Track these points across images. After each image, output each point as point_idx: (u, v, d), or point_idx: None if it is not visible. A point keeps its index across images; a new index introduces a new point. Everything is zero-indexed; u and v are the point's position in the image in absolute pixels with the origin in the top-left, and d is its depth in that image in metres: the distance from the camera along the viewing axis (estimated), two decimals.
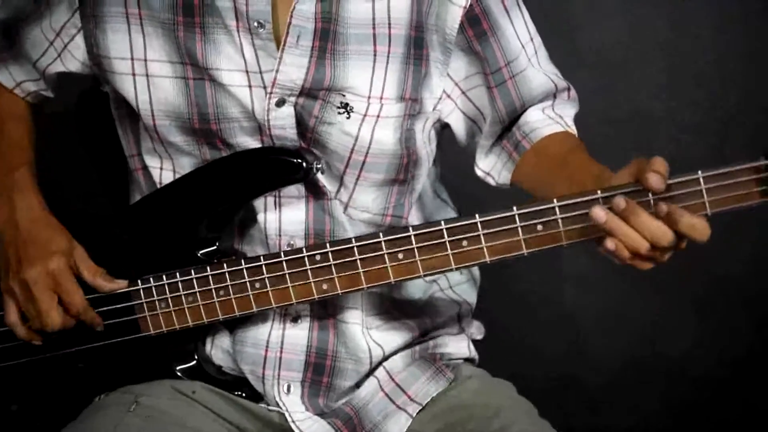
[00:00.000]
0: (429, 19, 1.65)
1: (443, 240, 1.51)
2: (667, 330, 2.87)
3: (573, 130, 1.75)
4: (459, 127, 1.75)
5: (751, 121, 2.70)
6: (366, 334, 1.73)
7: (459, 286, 1.85)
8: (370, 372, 1.75)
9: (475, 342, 1.87)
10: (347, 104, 1.63)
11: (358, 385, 1.75)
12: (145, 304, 1.66)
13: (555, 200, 1.45)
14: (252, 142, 1.65)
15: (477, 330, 1.88)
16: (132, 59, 1.64)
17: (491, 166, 1.77)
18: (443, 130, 1.77)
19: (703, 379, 2.86)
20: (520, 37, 1.71)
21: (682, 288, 2.81)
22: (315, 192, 1.66)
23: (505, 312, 2.81)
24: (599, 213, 1.40)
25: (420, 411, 1.71)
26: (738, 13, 2.72)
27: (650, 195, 1.40)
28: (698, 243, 1.40)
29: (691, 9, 2.72)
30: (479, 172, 1.78)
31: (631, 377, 2.88)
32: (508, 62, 1.70)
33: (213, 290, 1.62)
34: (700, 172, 1.40)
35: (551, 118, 1.73)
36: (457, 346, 1.82)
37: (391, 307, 1.76)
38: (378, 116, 1.64)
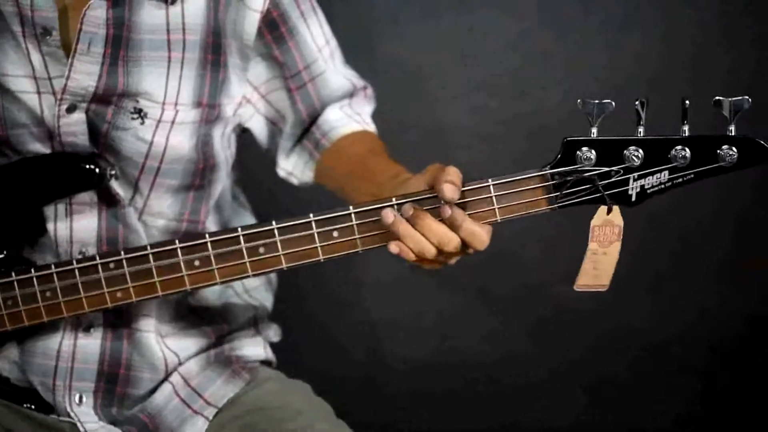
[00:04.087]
0: (226, 25, 1.64)
1: (240, 247, 1.50)
2: (460, 331, 2.93)
3: (371, 126, 1.80)
4: (260, 131, 1.76)
5: (542, 130, 2.79)
6: (160, 342, 1.71)
7: (255, 290, 1.85)
8: (165, 378, 1.73)
9: (272, 344, 1.87)
10: (141, 110, 1.61)
11: (152, 391, 1.72)
12: None
13: (351, 207, 1.47)
14: (43, 149, 1.60)
15: (273, 332, 1.88)
16: None
17: (293, 166, 1.79)
18: (243, 134, 1.77)
19: (492, 374, 2.94)
20: (317, 41, 1.74)
21: (475, 288, 2.88)
22: (108, 199, 1.63)
23: (306, 314, 2.82)
24: (388, 215, 1.43)
25: (217, 414, 1.70)
26: (529, 24, 2.81)
27: (443, 202, 1.44)
28: (477, 251, 1.45)
29: (487, 20, 2.79)
30: (281, 173, 1.81)
31: (428, 378, 2.93)
32: (307, 65, 1.72)
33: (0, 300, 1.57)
34: (490, 180, 1.45)
35: (349, 116, 1.77)
36: (253, 348, 1.81)
37: (186, 313, 1.75)
38: (173, 122, 1.63)
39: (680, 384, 2.93)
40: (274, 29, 1.68)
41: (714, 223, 2.85)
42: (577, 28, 2.80)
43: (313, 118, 1.75)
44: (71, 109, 1.58)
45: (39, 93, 1.58)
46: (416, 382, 2.93)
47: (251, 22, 1.66)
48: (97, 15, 1.57)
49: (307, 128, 1.76)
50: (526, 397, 2.94)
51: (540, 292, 2.87)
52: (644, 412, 2.93)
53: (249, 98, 1.72)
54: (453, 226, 1.43)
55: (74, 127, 1.59)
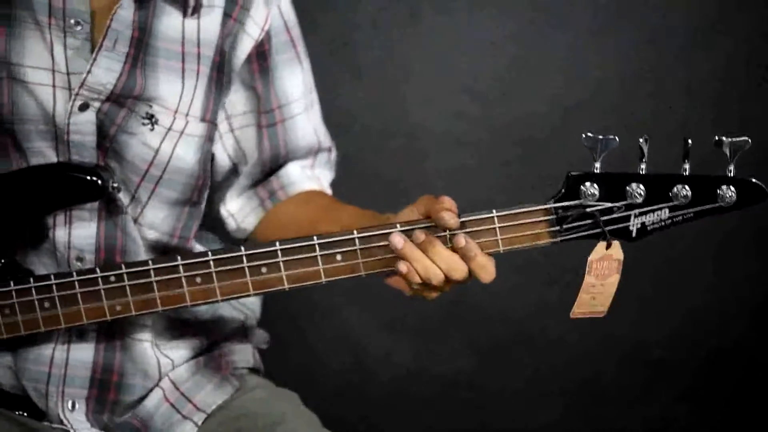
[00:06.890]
0: (226, 45, 1.65)
1: (242, 265, 1.51)
2: (441, 337, 2.94)
3: (329, 192, 1.81)
4: (220, 161, 1.76)
5: (527, 135, 2.79)
6: (155, 348, 1.71)
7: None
8: (156, 384, 1.73)
9: (260, 351, 1.88)
10: (153, 116, 1.61)
11: (143, 397, 1.73)
12: None
13: (355, 231, 1.48)
14: (46, 148, 1.59)
15: (262, 340, 1.89)
16: None
17: (238, 209, 1.80)
18: None
19: (475, 380, 2.97)
20: (302, 84, 1.75)
21: (455, 294, 2.89)
22: (108, 206, 1.62)
23: (290, 321, 2.82)
24: (398, 239, 1.45)
25: (206, 420, 1.71)
26: (513, 27, 2.80)
27: (447, 231, 1.46)
28: (482, 282, 1.47)
29: (470, 23, 2.78)
30: (223, 212, 1.80)
31: (411, 384, 2.95)
32: (281, 105, 1.73)
33: None
34: (494, 211, 1.47)
35: (309, 177, 1.78)
36: (242, 355, 1.82)
37: (179, 321, 1.75)
38: (182, 133, 1.63)
39: (661, 389, 2.96)
40: (262, 60, 1.70)
41: (698, 230, 2.87)
42: (564, 30, 2.79)
43: (275, 166, 1.76)
44: (83, 108, 1.57)
45: (54, 86, 1.57)
46: (399, 389, 2.94)
47: (243, 47, 1.67)
48: (125, 15, 1.57)
49: (267, 175, 1.77)
50: (507, 403, 2.96)
51: (520, 297, 2.89)
52: (624, 417, 2.96)
53: (218, 126, 1.72)
54: (465, 256, 1.45)
55: (83, 126, 1.58)
